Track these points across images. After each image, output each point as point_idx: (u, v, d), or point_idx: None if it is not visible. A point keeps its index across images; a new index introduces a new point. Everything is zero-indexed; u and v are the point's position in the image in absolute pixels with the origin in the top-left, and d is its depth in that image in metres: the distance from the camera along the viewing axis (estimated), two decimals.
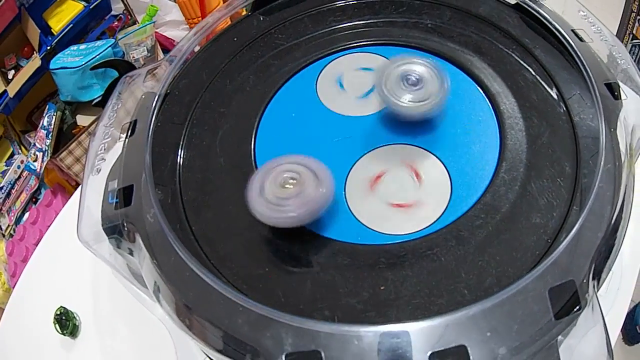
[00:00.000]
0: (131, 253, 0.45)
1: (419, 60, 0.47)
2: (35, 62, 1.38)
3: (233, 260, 0.42)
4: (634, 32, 1.37)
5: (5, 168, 1.45)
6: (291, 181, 0.40)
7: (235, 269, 0.41)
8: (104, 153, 0.51)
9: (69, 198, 1.27)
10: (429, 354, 0.33)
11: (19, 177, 1.46)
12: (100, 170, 0.49)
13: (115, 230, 0.46)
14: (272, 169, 0.41)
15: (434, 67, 0.46)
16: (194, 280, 0.38)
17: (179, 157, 0.49)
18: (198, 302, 0.38)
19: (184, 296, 0.39)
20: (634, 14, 1.38)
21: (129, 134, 0.51)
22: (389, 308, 0.38)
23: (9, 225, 1.42)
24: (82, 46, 1.36)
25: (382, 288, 0.39)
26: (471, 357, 0.33)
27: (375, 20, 0.57)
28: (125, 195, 0.46)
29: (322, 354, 0.33)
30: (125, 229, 0.44)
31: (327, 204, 0.41)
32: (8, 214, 1.43)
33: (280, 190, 0.40)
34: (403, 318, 0.37)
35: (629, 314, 1.15)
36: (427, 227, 0.42)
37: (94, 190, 0.49)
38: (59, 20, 1.41)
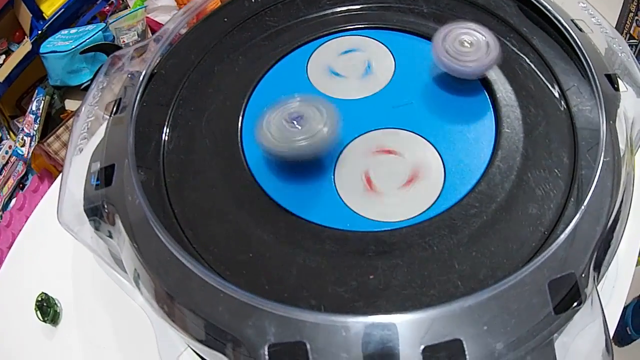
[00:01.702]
0: (110, 236, 0.44)
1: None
2: (25, 46, 1.38)
3: (216, 245, 0.41)
4: (631, 32, 1.37)
5: None
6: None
7: (218, 254, 0.40)
8: (87, 133, 0.49)
9: None
10: (421, 348, 0.31)
11: (7, 162, 1.45)
12: (82, 149, 0.48)
13: (95, 212, 0.45)
14: None
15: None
16: (175, 265, 0.36)
17: (163, 138, 0.48)
18: (178, 289, 0.37)
19: (164, 282, 0.37)
20: (632, 14, 1.38)
21: (113, 113, 0.49)
22: (378, 298, 0.36)
23: None
24: (73, 30, 1.36)
25: (371, 277, 0.38)
26: (466, 352, 0.31)
27: (370, 5, 0.56)
28: (106, 175, 0.44)
29: (307, 346, 0.32)
30: (105, 210, 0.43)
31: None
32: None
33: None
34: (392, 309, 0.36)
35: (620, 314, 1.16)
36: (419, 214, 0.41)
37: (77, 171, 0.47)
38: (51, 4, 1.41)
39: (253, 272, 0.39)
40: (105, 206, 0.43)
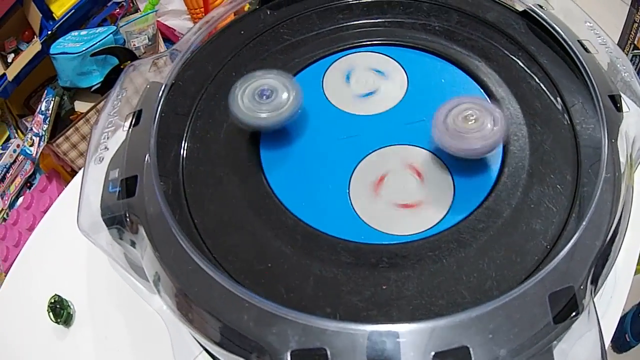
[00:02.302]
0: (133, 244, 0.45)
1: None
2: (35, 46, 1.38)
3: (236, 254, 0.42)
4: (636, 42, 1.38)
5: (1, 152, 1.45)
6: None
7: (238, 264, 0.42)
8: (107, 142, 0.51)
9: (64, 184, 1.27)
10: (432, 354, 0.33)
11: (14, 161, 1.46)
12: (103, 159, 0.49)
13: (114, 221, 0.46)
14: None
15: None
16: (198, 273, 0.38)
17: (182, 148, 0.49)
18: (202, 297, 0.38)
19: (188, 290, 0.39)
20: (637, 24, 1.38)
21: (132, 123, 0.51)
22: (390, 307, 0.38)
23: (2, 209, 1.42)
24: (83, 32, 1.36)
25: (384, 287, 0.39)
26: (473, 359, 0.33)
27: (383, 20, 0.58)
28: (128, 185, 0.46)
29: (328, 352, 0.34)
30: (128, 220, 0.44)
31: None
32: (2, 198, 1.43)
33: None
34: (404, 318, 0.37)
35: (618, 322, 1.16)
36: (429, 228, 0.43)
37: (94, 179, 0.49)
38: (61, 5, 1.41)
39: (271, 281, 0.40)
40: (129, 216, 0.44)
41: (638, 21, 1.38)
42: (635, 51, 1.38)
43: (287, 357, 0.34)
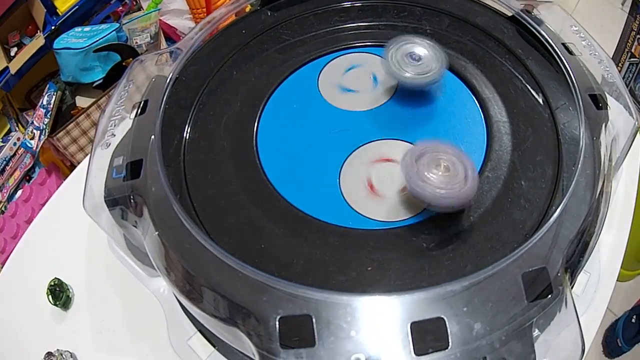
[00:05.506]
0: (135, 224, 0.47)
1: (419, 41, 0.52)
2: (38, 40, 1.38)
3: (231, 235, 0.44)
4: (633, 50, 1.39)
5: (1, 144, 1.46)
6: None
7: (233, 244, 0.44)
8: (114, 129, 0.53)
9: (63, 178, 1.28)
10: (409, 323, 0.36)
11: (14, 154, 1.46)
12: (109, 144, 0.51)
13: (116, 202, 0.48)
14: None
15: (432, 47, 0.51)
16: (197, 248, 0.41)
17: (184, 138, 0.52)
18: (200, 269, 0.41)
19: (187, 264, 0.41)
20: (634, 32, 1.40)
21: (138, 112, 0.53)
22: (374, 287, 0.40)
23: (1, 202, 1.42)
24: (87, 28, 1.37)
25: (369, 269, 0.41)
26: (448, 329, 0.36)
27: (377, 23, 0.60)
28: (133, 168, 0.48)
29: (313, 318, 0.36)
30: (133, 201, 0.47)
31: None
32: (1, 191, 1.44)
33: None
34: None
35: (611, 327, 1.18)
36: (414, 215, 0.45)
37: (100, 163, 0.51)
38: (65, 1, 1.42)
39: (264, 260, 0.43)
40: (133, 197, 0.47)
41: (636, 29, 1.40)
42: (633, 59, 1.39)
43: (275, 323, 0.36)
